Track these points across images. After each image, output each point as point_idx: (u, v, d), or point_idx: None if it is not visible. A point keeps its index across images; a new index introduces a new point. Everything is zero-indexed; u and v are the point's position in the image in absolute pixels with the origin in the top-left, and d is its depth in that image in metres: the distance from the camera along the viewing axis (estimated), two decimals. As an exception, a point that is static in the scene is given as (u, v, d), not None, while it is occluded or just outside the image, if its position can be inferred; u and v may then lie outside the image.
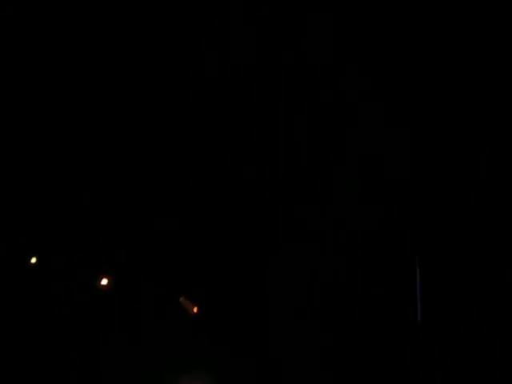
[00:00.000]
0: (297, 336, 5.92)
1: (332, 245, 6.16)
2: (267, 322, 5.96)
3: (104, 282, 5.83)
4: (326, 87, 6.27)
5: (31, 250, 5.88)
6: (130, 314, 5.89)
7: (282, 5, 6.21)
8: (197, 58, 6.28)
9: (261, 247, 6.14)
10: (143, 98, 6.28)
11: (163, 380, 5.63)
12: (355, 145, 6.26)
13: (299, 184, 6.25)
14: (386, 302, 5.95)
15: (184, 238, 6.13)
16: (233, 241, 6.15)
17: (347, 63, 6.22)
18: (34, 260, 5.81)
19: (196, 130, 6.31)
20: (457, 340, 5.68)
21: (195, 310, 5.78)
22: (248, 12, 6.22)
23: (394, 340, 5.79)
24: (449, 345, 5.70)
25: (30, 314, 5.79)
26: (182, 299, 5.78)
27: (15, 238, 5.86)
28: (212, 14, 6.24)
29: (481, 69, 5.98)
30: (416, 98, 6.18)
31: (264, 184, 6.23)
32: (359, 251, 6.10)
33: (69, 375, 5.63)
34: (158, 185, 6.21)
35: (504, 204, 5.99)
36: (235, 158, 6.29)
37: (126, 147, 6.24)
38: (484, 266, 5.89)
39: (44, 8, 6.11)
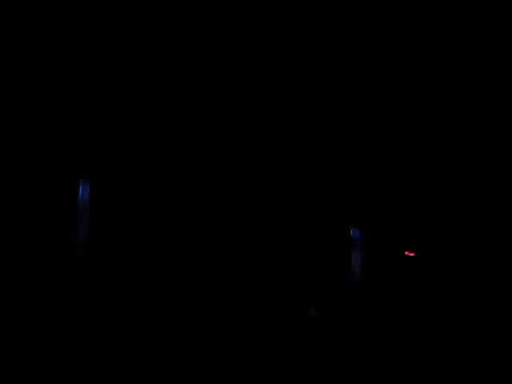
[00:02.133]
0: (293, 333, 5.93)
1: (332, 244, 6.17)
2: (266, 322, 5.96)
3: None
4: (326, 87, 6.28)
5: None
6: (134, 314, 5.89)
7: (281, 5, 6.21)
8: (197, 58, 6.27)
9: (260, 247, 6.15)
10: (143, 98, 6.28)
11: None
12: (355, 145, 6.27)
13: (299, 184, 6.26)
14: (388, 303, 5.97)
15: (184, 237, 6.13)
16: (232, 240, 6.15)
17: (347, 63, 6.23)
18: None
19: (196, 129, 6.31)
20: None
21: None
22: (248, 12, 6.21)
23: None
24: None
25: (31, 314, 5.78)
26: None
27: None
28: (212, 14, 6.23)
29: (481, 69, 5.99)
30: (416, 98, 6.19)
31: (264, 184, 6.24)
32: (360, 251, 6.12)
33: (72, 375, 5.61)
34: (157, 185, 6.21)
35: (504, 203, 6.00)
36: (235, 158, 6.29)
37: (126, 147, 6.24)
38: (486, 264, 5.92)
39: (44, 8, 6.10)
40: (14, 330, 5.52)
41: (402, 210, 6.25)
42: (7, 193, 5.81)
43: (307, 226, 6.25)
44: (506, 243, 5.98)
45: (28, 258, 5.79)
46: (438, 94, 6.12)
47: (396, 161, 6.22)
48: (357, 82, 6.23)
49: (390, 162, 6.23)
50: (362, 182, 6.26)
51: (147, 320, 5.83)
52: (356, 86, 6.23)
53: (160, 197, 6.20)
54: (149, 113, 6.26)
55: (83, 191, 6.01)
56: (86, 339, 5.63)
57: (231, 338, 5.76)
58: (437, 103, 6.13)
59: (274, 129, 6.30)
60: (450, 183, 6.15)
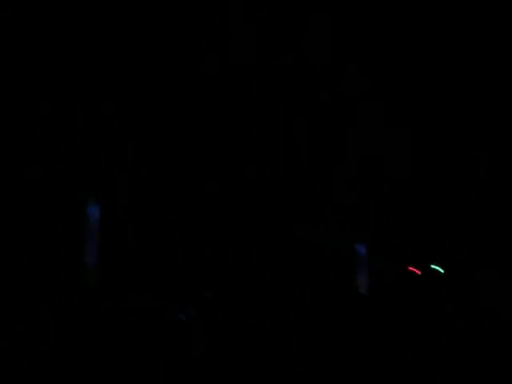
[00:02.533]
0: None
1: (331, 244, 6.17)
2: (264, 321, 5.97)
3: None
4: (326, 87, 6.27)
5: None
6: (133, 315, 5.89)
7: (282, 5, 6.21)
8: (197, 58, 6.28)
9: (260, 247, 6.15)
10: (143, 98, 6.28)
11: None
12: (355, 145, 6.27)
13: (299, 183, 6.26)
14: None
15: (185, 239, 6.14)
16: (232, 241, 6.16)
17: (347, 63, 6.23)
18: None
19: (196, 129, 6.31)
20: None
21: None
22: (248, 12, 6.22)
23: None
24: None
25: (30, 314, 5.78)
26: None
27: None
28: (212, 14, 6.24)
29: (481, 69, 5.99)
30: (416, 98, 6.19)
31: (264, 184, 6.24)
32: (360, 251, 6.12)
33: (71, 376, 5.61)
34: (157, 185, 6.21)
35: (504, 203, 6.00)
36: (235, 158, 6.29)
37: (126, 146, 6.24)
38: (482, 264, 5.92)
39: (44, 8, 6.11)
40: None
41: (402, 210, 6.25)
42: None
43: (307, 227, 6.25)
44: (507, 244, 5.99)
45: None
46: (438, 93, 6.13)
47: (396, 161, 6.22)
48: (357, 82, 6.23)
49: (390, 162, 6.23)
50: (361, 182, 6.26)
51: (147, 320, 5.83)
52: (356, 85, 6.24)
53: (160, 197, 6.21)
54: (148, 113, 6.26)
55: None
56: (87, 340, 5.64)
57: (230, 337, 5.76)
58: (437, 103, 6.14)
59: (274, 129, 6.30)
60: (449, 183, 6.15)
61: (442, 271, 5.95)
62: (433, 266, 5.98)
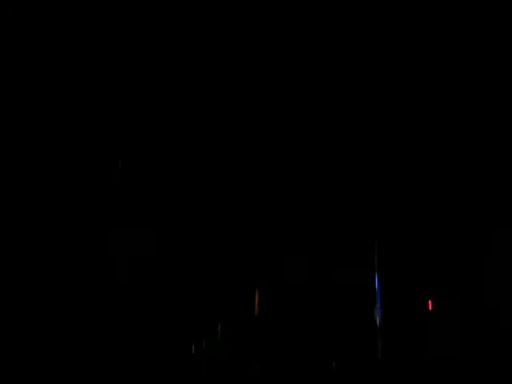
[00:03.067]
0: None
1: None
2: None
3: None
4: (325, 87, 6.27)
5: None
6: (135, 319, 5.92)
7: (282, 5, 6.21)
8: (197, 57, 6.28)
9: (260, 249, 6.17)
10: (143, 98, 6.30)
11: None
12: (355, 144, 6.27)
13: (299, 185, 6.27)
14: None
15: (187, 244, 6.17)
16: (228, 246, 6.18)
17: (347, 63, 6.22)
18: None
19: (196, 130, 6.33)
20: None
21: None
22: (248, 12, 6.22)
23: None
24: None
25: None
26: None
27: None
28: (212, 13, 6.24)
29: (481, 70, 5.98)
30: (416, 98, 6.18)
31: (264, 185, 6.26)
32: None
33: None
34: (157, 186, 6.23)
35: (505, 203, 6.01)
36: (235, 158, 6.30)
37: (126, 147, 6.26)
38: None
39: (44, 8, 6.12)
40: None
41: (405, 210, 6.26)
42: None
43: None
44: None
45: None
46: (438, 94, 6.12)
47: (396, 160, 6.23)
48: (357, 82, 6.22)
49: (390, 161, 6.24)
50: (363, 183, 6.27)
51: (149, 322, 5.87)
52: (356, 85, 6.23)
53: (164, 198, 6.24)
54: (149, 114, 6.28)
55: None
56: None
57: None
58: (437, 104, 6.14)
59: (274, 129, 6.31)
60: (450, 184, 6.16)
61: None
62: None
